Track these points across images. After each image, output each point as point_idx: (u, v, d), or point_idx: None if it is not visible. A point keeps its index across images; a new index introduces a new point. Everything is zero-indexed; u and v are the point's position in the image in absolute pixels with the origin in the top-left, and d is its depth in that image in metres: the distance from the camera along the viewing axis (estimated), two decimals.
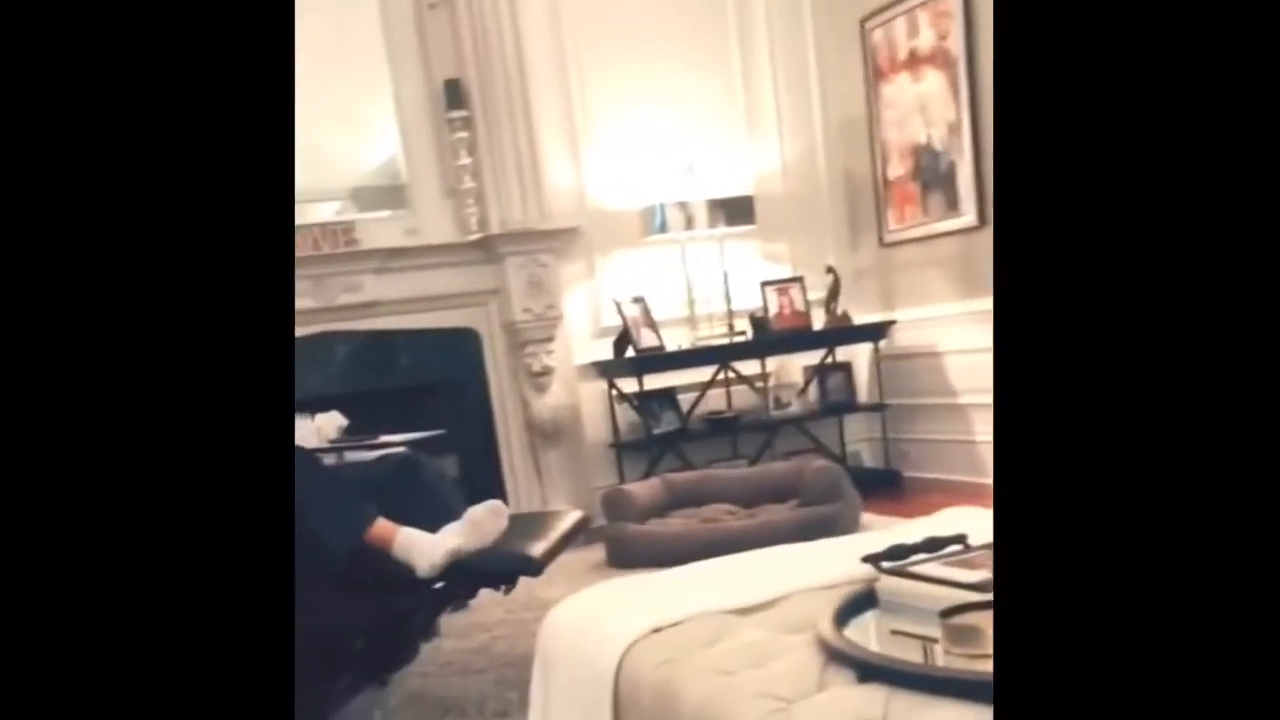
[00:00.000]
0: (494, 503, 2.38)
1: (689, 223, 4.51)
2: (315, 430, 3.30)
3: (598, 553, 3.69)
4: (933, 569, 1.54)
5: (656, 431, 4.44)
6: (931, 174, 4.47)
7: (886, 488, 4.56)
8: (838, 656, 1.39)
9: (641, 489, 3.79)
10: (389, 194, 4.27)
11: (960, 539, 1.66)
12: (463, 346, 4.33)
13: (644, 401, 4.40)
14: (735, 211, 4.56)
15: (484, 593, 2.62)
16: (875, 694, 1.26)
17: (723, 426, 4.58)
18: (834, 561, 1.81)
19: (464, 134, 4.19)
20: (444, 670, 2.75)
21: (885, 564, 1.61)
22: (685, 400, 4.59)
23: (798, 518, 3.35)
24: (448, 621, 3.00)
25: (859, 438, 5.01)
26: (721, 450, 4.65)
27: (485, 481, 4.20)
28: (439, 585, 2.33)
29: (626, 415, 4.53)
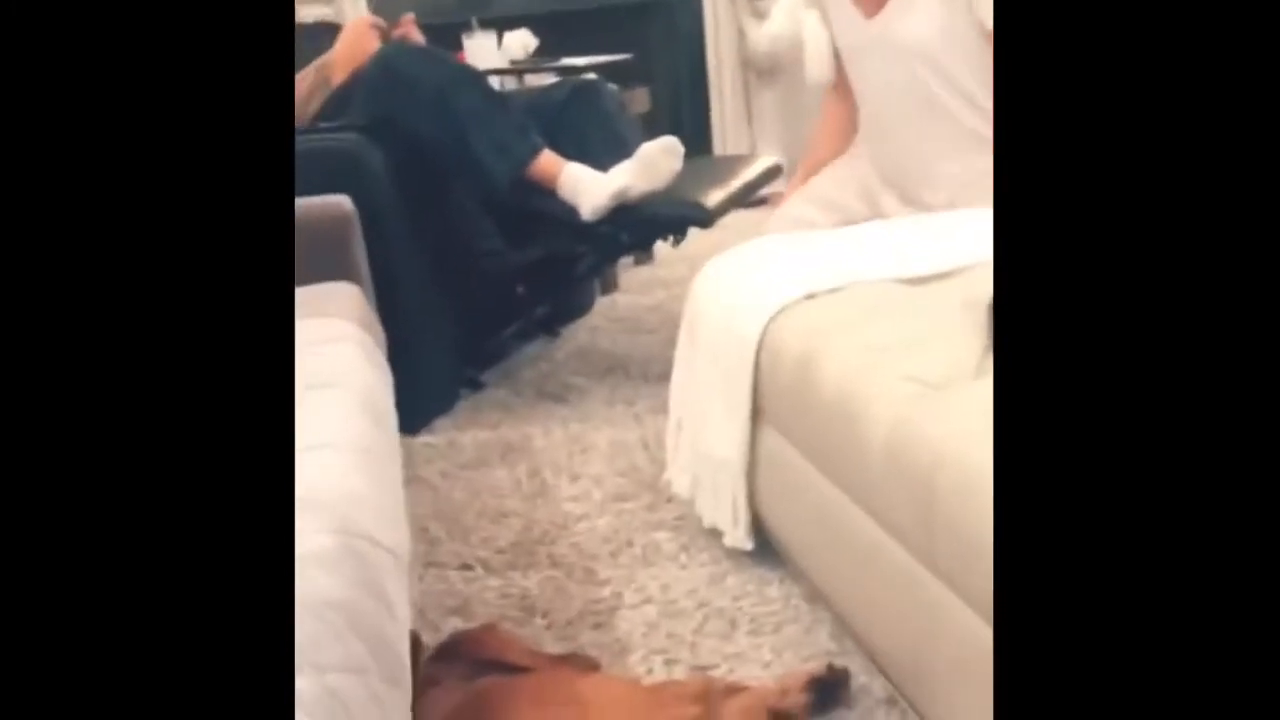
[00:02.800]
0: (668, 139, 2.14)
1: None
2: (502, 49, 3.11)
3: None
4: None
5: None
6: None
7: None
8: None
9: None
10: None
11: None
12: None
13: None
14: None
15: (664, 245, 2.46)
16: None
17: None
18: None
19: None
20: (616, 326, 2.66)
21: None
22: None
23: None
24: (629, 275, 2.88)
25: None
26: None
27: (680, 119, 3.94)
28: (604, 229, 2.17)
29: None
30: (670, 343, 2.52)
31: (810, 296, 1.46)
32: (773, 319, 1.45)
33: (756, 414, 1.51)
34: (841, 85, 2.07)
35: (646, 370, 2.42)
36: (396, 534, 1.10)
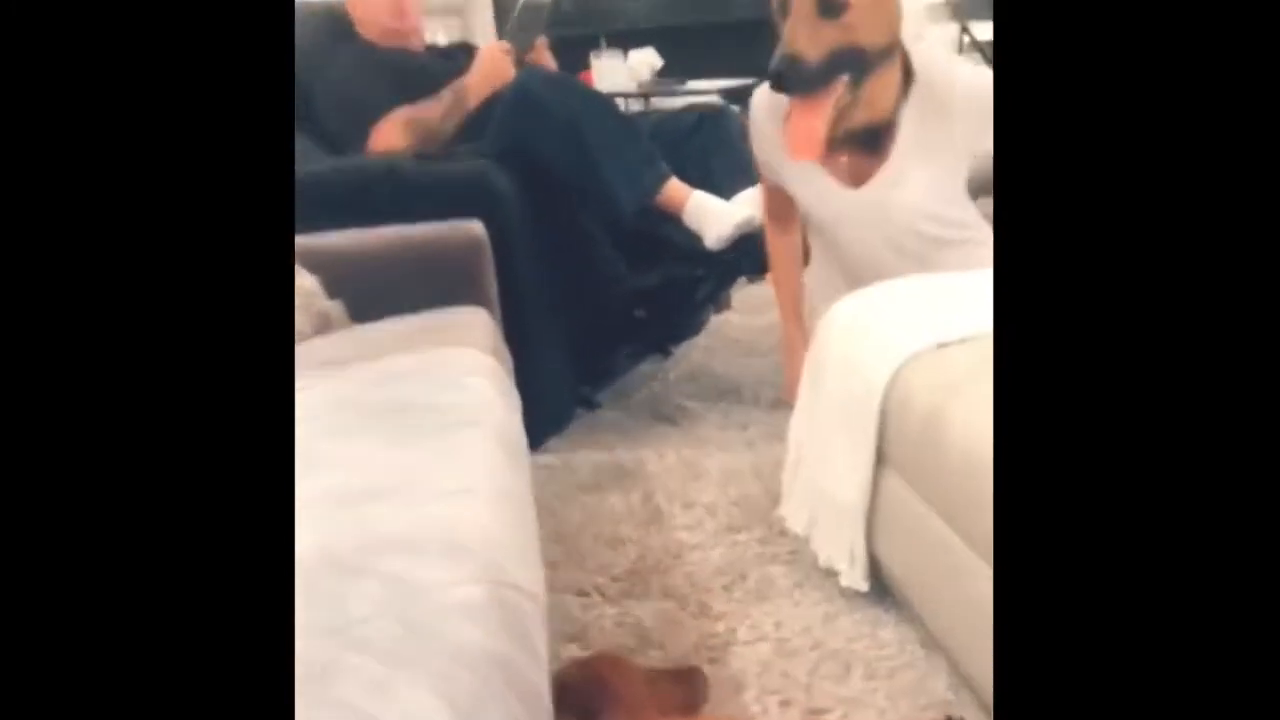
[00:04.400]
0: None
1: None
2: (628, 69, 3.15)
3: None
4: None
5: None
6: None
7: None
8: None
9: None
10: None
11: None
12: None
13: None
14: None
15: None
16: None
17: None
18: None
19: None
20: (728, 348, 2.68)
21: None
22: None
23: None
24: (742, 294, 2.90)
25: None
26: None
27: None
28: (726, 256, 2.20)
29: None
30: (781, 367, 2.55)
31: (941, 346, 1.46)
32: (901, 367, 1.47)
33: (880, 459, 1.53)
34: (785, 218, 2.09)
35: (759, 395, 2.44)
36: (536, 576, 1.15)
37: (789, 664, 1.50)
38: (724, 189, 2.22)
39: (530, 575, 1.13)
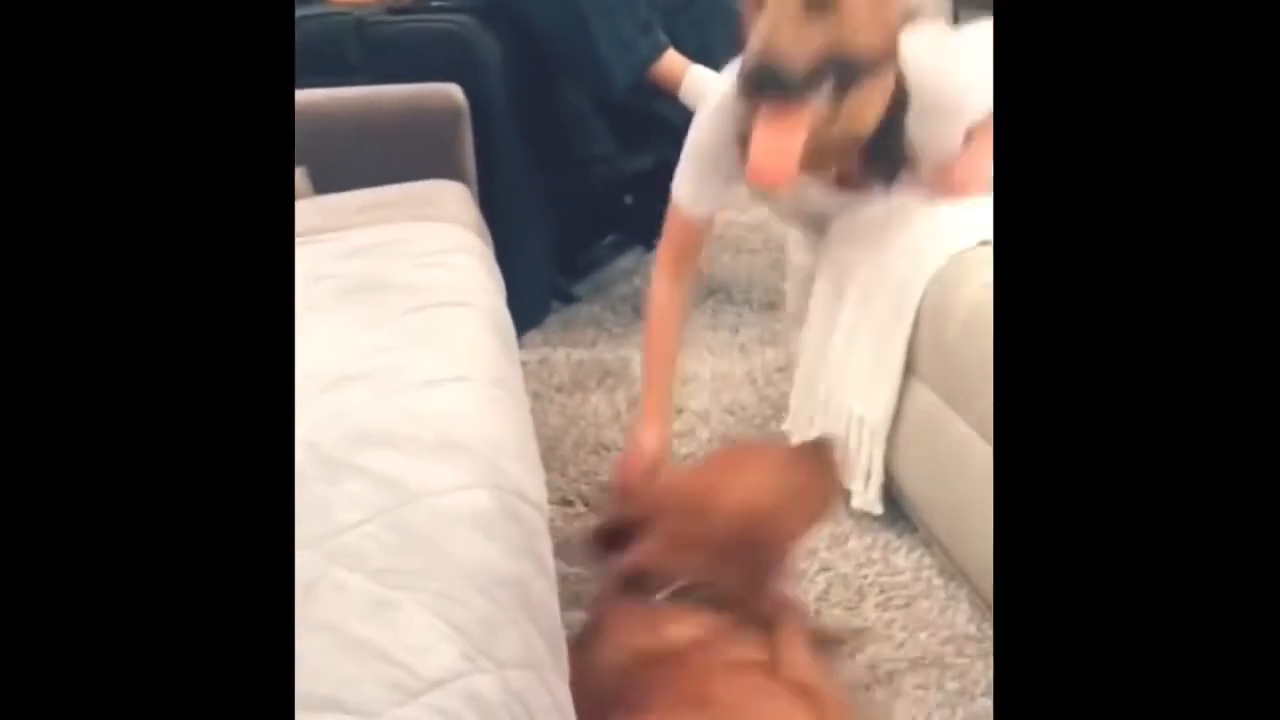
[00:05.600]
0: None
1: None
2: None
3: None
4: None
5: None
6: None
7: None
8: None
9: None
10: None
11: None
12: None
13: None
14: None
15: None
16: None
17: None
18: None
19: None
20: (716, 243, 2.50)
21: None
22: None
23: None
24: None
25: None
26: None
27: None
28: None
29: None
30: (773, 265, 2.38)
31: (984, 243, 1.31)
32: (941, 269, 1.31)
33: (909, 370, 1.38)
34: (685, 261, 1.58)
35: (750, 295, 2.28)
36: (539, 482, 0.99)
37: (795, 589, 1.37)
38: (722, 64, 2.02)
39: (534, 481, 0.97)
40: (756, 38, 1.27)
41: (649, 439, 1.47)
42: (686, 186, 1.52)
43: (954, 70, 1.40)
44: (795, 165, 1.28)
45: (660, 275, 1.56)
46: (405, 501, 0.78)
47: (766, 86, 1.25)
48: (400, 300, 1.19)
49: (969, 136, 1.43)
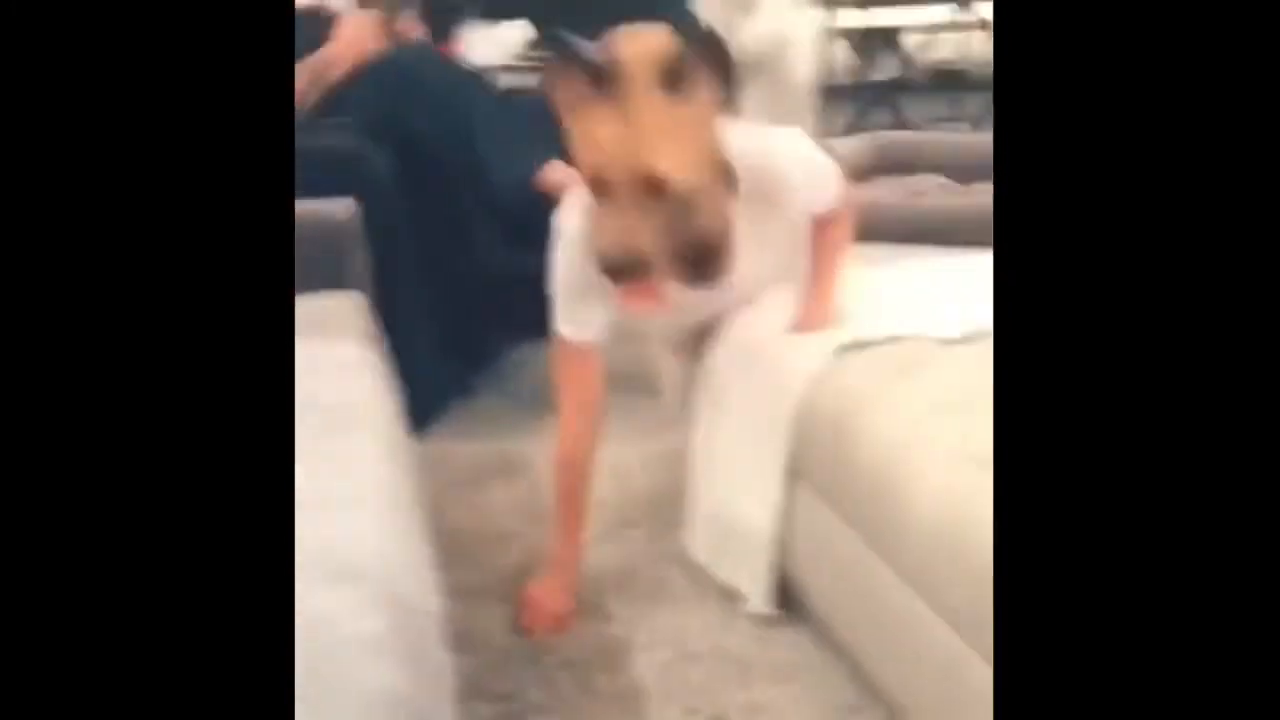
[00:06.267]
0: None
1: None
2: (497, 43, 3.03)
3: None
4: None
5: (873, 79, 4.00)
6: None
7: None
8: None
9: (843, 145, 3.42)
10: None
11: None
12: None
13: (864, 40, 3.92)
14: None
15: None
16: None
17: (950, 81, 4.08)
18: None
19: None
20: (616, 338, 2.59)
21: None
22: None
23: None
24: None
25: None
26: (942, 109, 4.17)
27: None
28: None
29: (841, 54, 4.06)
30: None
31: (860, 346, 1.43)
32: (816, 370, 1.42)
33: (791, 475, 1.47)
34: (589, 389, 1.60)
35: (645, 383, 2.38)
36: (431, 589, 1.06)
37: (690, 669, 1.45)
38: None
39: (427, 590, 1.04)
40: (603, 234, 1.34)
41: (556, 593, 1.54)
42: (565, 320, 1.57)
43: (775, 151, 1.51)
44: (663, 298, 1.39)
45: (567, 406, 1.58)
46: (307, 628, 0.85)
47: (624, 275, 1.33)
48: (300, 422, 1.25)
49: (813, 266, 1.55)
